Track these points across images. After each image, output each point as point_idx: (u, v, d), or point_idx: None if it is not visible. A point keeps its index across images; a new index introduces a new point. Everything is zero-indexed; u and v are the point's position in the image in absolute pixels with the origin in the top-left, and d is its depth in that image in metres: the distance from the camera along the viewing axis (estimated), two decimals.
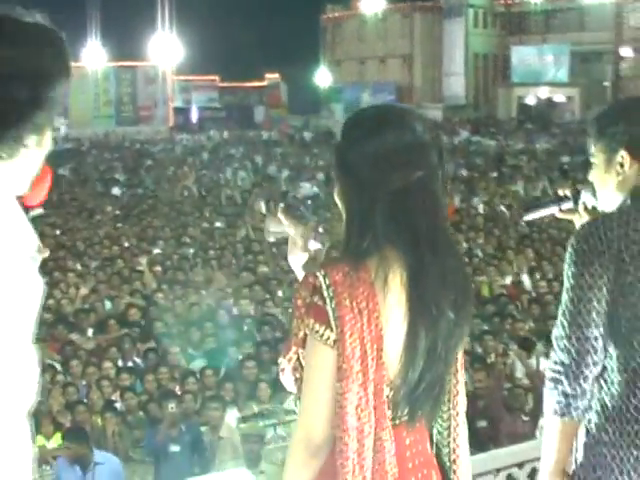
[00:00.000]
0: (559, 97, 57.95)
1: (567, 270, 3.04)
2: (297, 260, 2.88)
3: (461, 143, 43.57)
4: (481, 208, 23.16)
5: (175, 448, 9.56)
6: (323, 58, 69.42)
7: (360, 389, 2.39)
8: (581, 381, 2.99)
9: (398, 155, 2.48)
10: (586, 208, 3.38)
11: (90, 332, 13.10)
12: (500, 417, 9.77)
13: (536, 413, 9.79)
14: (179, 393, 10.41)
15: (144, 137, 51.84)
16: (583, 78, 55.96)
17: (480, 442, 8.55)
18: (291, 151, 44.42)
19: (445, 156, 2.57)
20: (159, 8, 52.20)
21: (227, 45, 62.00)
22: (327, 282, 2.40)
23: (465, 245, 17.38)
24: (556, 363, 3.02)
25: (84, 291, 14.49)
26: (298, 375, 2.54)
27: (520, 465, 5.79)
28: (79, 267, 16.58)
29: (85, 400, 10.52)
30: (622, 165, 3.12)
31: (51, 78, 1.95)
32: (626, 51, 54.94)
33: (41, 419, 10.16)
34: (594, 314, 2.97)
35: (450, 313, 2.50)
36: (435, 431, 2.70)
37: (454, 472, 2.69)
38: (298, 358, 2.54)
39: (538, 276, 15.26)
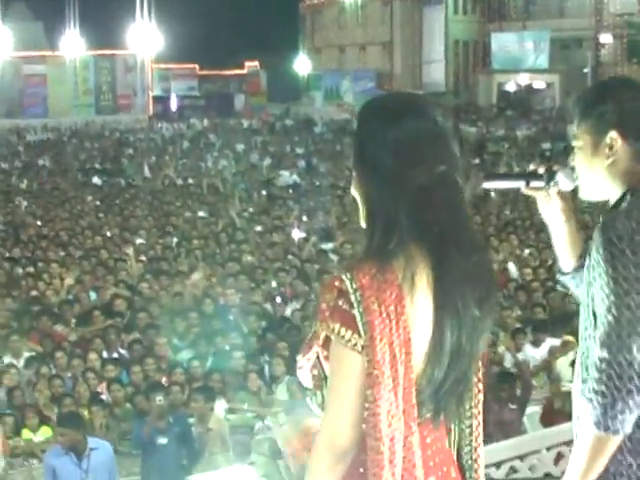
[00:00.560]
0: (539, 84, 57.93)
1: (611, 274, 2.76)
2: None
3: None
4: None
5: (163, 440, 9.47)
6: (303, 45, 69.22)
7: (390, 395, 2.34)
8: (627, 395, 2.74)
9: (422, 148, 2.41)
10: (559, 192, 3.05)
11: (74, 323, 13.01)
12: (488, 407, 9.74)
13: (523, 402, 9.82)
14: (166, 385, 10.34)
15: (124, 126, 51.61)
16: (563, 65, 55.95)
17: None
18: (271, 139, 44.33)
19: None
20: None
21: (206, 33, 61.67)
22: (354, 286, 2.33)
23: None
24: (601, 372, 2.76)
25: (69, 281, 14.37)
26: (316, 372, 2.48)
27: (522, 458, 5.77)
28: (63, 257, 16.46)
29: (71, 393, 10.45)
30: (611, 147, 2.89)
31: None
32: (606, 37, 54.94)
33: (26, 412, 10.08)
34: None
35: (475, 309, 2.44)
36: (457, 429, 2.64)
37: (475, 471, 2.64)
38: (318, 357, 2.47)
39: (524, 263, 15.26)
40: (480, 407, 2.64)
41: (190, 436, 9.66)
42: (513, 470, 5.83)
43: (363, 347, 2.32)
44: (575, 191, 3.05)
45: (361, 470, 2.39)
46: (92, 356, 11.34)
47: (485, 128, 45.37)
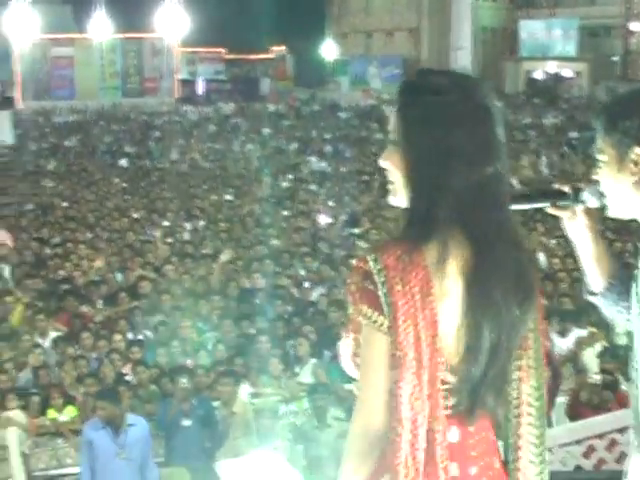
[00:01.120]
0: (567, 72, 57.54)
1: None
2: None
3: None
4: None
5: (187, 422, 9.53)
6: (329, 31, 68.96)
7: (414, 377, 2.30)
8: None
9: (477, 146, 2.38)
10: (587, 210, 2.91)
11: (100, 304, 13.05)
12: None
13: (553, 391, 9.73)
14: (191, 367, 10.37)
15: (150, 109, 51.64)
16: (591, 53, 55.51)
17: None
18: (297, 124, 44.26)
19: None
20: None
21: (233, 17, 61.52)
22: (378, 266, 2.30)
23: None
24: None
25: (99, 264, 14.40)
26: (358, 361, 2.44)
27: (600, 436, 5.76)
28: (90, 239, 16.51)
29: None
30: (637, 163, 2.74)
31: None
32: (635, 26, 54.46)
33: (52, 392, 10.12)
34: None
35: (516, 308, 2.41)
36: (503, 419, 2.59)
37: (516, 461, 2.58)
38: (356, 344, 2.44)
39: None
40: (525, 397, 2.57)
41: (214, 419, 9.70)
42: None
43: (389, 328, 2.30)
44: (603, 208, 2.92)
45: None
46: (117, 337, 11.39)
47: (512, 115, 45.13)
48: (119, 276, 14.24)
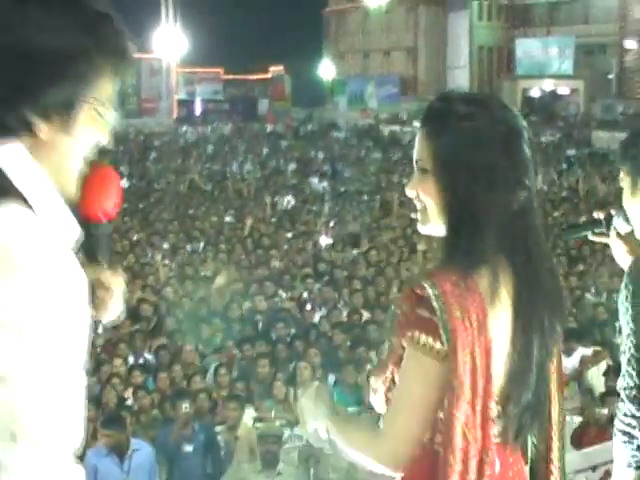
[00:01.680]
0: (563, 89, 57.70)
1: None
2: None
3: None
4: None
5: (189, 448, 9.41)
6: (327, 51, 69.20)
7: (468, 407, 2.24)
8: None
9: (516, 174, 2.37)
10: (618, 234, 3.15)
11: (100, 328, 12.92)
12: None
13: None
14: (192, 392, 10.26)
15: (148, 129, 51.69)
16: (587, 70, 55.72)
17: None
18: (295, 144, 44.29)
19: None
20: (163, 1, 52.05)
21: (231, 37, 61.79)
22: (436, 292, 2.23)
23: None
24: (626, 415, 2.85)
25: None
26: (390, 396, 2.39)
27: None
28: None
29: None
30: None
31: (65, 50, 1.69)
32: (630, 43, 54.64)
33: None
34: None
35: (556, 330, 2.42)
36: (531, 444, 2.57)
37: None
38: (393, 378, 2.39)
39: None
40: (554, 417, 2.55)
41: (216, 444, 9.59)
42: None
43: (446, 355, 2.23)
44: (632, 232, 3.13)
45: None
46: (118, 361, 11.28)
47: None
48: None
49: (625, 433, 2.86)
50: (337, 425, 2.47)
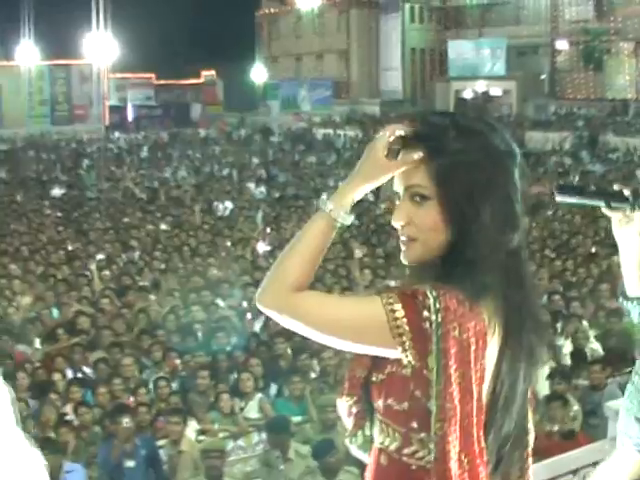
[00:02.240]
0: (496, 90, 58.13)
1: None
2: None
3: None
4: None
5: (131, 463, 9.21)
6: (259, 54, 69.04)
7: (460, 432, 2.13)
8: None
9: (515, 218, 2.27)
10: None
11: (37, 343, 12.65)
12: None
13: None
14: (132, 406, 10.06)
15: (80, 137, 51.10)
16: (520, 71, 56.22)
17: None
18: (229, 149, 44.11)
19: None
20: (93, 6, 51.30)
21: (163, 42, 61.26)
22: (437, 305, 2.09)
23: None
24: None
25: (27, 299, 13.95)
26: (355, 410, 2.32)
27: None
28: (23, 274, 16.01)
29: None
30: None
31: None
32: (562, 44, 55.31)
33: None
34: None
35: (543, 358, 2.34)
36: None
37: None
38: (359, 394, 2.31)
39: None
40: (530, 449, 2.44)
41: (158, 459, 9.40)
42: None
43: (413, 366, 2.14)
44: None
45: None
46: (56, 376, 11.02)
47: None
48: (55, 312, 13.84)
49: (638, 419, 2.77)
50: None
